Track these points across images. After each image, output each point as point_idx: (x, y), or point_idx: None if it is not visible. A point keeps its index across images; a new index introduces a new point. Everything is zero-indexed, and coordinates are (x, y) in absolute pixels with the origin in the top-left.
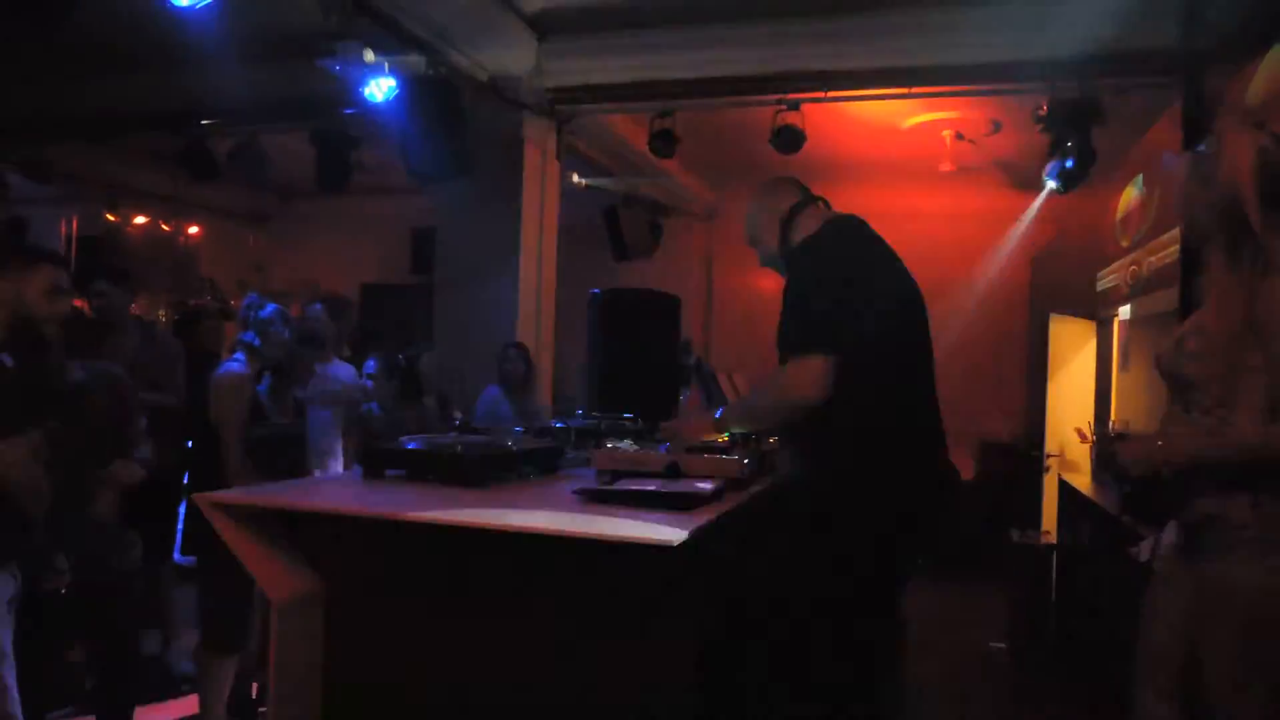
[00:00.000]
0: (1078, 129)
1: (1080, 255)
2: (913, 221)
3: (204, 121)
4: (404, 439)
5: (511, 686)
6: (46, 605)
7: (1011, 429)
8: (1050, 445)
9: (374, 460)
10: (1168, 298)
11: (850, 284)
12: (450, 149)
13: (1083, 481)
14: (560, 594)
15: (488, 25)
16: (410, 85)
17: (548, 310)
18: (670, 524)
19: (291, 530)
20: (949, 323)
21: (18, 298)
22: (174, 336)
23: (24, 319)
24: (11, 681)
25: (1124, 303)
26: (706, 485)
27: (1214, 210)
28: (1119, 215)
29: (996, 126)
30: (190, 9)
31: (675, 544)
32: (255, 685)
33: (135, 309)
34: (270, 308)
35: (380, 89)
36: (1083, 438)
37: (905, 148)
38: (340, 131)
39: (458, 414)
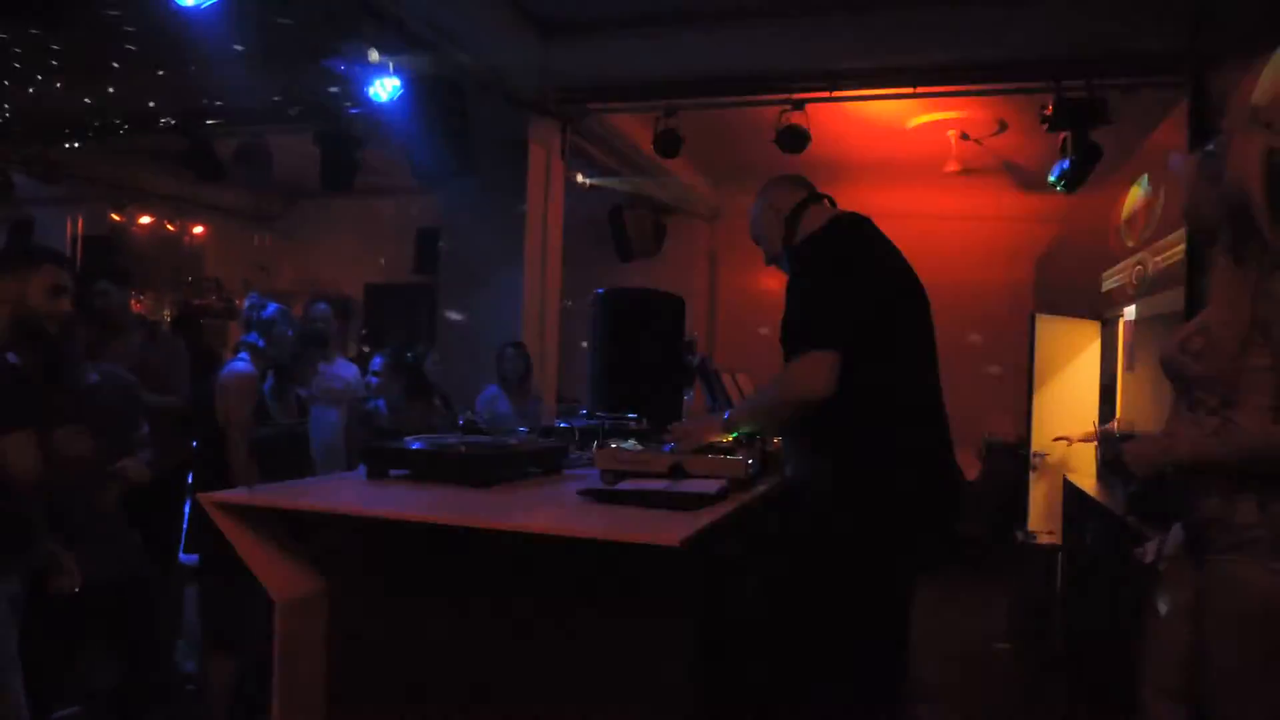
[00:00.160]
0: (1083, 129)
1: (1085, 255)
2: (917, 222)
3: (209, 122)
4: (408, 439)
5: (515, 687)
6: (58, 606)
7: (1017, 430)
8: (1038, 445)
9: (378, 460)
10: (1173, 298)
11: (854, 280)
12: (455, 149)
13: (1088, 482)
14: (564, 594)
15: (493, 25)
16: (415, 85)
17: (552, 310)
18: (674, 524)
19: (295, 530)
20: (953, 323)
21: (20, 296)
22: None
23: (27, 317)
24: (17, 685)
25: (1129, 303)
26: (711, 486)
27: (1220, 210)
28: (1124, 215)
29: (1002, 126)
30: (195, 9)
31: (679, 544)
32: (258, 685)
33: (140, 308)
34: (272, 307)
35: (385, 89)
36: (1069, 443)
37: (910, 148)
38: (345, 132)
39: (472, 414)
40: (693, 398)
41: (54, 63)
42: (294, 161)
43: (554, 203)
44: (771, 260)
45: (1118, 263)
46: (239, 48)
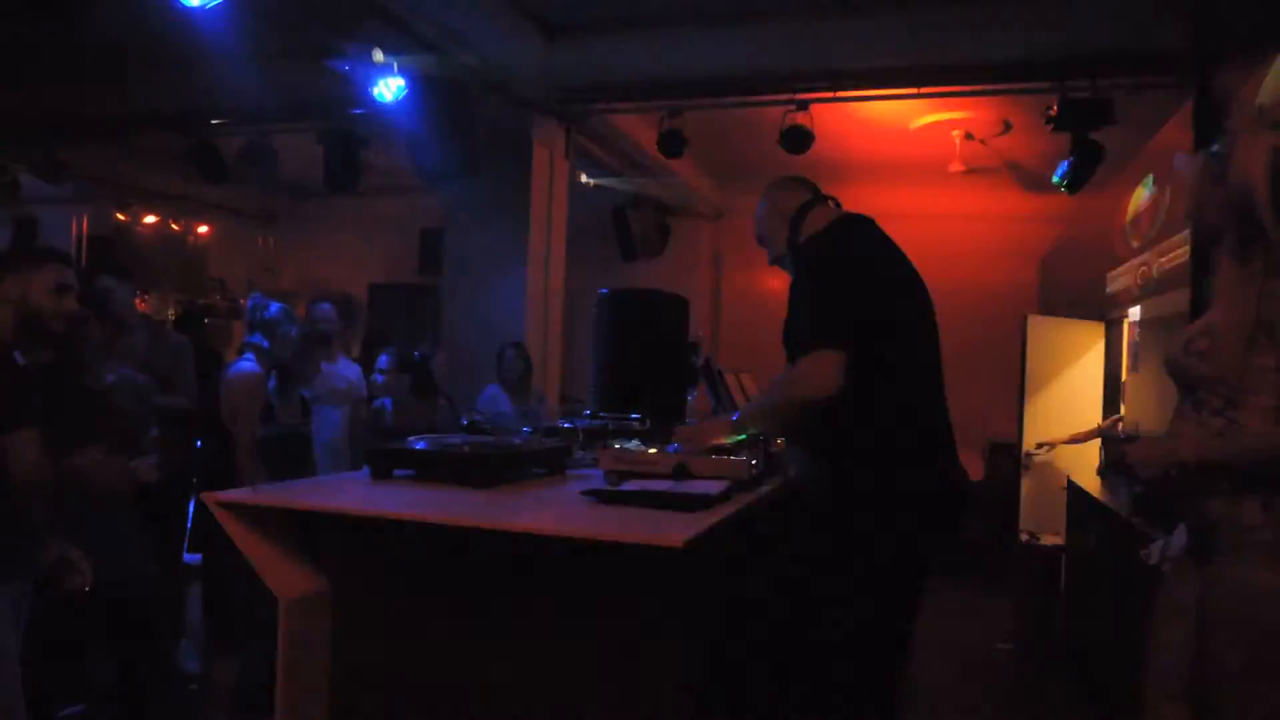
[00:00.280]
0: (1088, 129)
1: (1089, 256)
2: (922, 222)
3: (214, 121)
4: (412, 439)
5: (519, 687)
6: (66, 605)
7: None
8: (1032, 446)
9: (381, 461)
10: (1178, 299)
11: (859, 280)
12: (459, 149)
13: (1093, 483)
14: (568, 595)
15: (497, 25)
16: (419, 85)
17: (555, 310)
18: (678, 525)
19: (299, 530)
20: (958, 323)
21: (24, 295)
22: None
23: (31, 316)
24: (14, 685)
25: (1134, 304)
26: (714, 487)
27: (1225, 211)
28: (1129, 216)
29: (1007, 127)
30: (200, 9)
31: (682, 545)
32: (262, 685)
33: (144, 308)
34: (275, 307)
35: (389, 89)
36: (1050, 448)
37: (914, 148)
38: (349, 131)
39: (479, 414)
40: (696, 398)
41: (60, 62)
42: (298, 161)
43: (558, 203)
44: (776, 261)
45: (1122, 263)
46: (244, 48)
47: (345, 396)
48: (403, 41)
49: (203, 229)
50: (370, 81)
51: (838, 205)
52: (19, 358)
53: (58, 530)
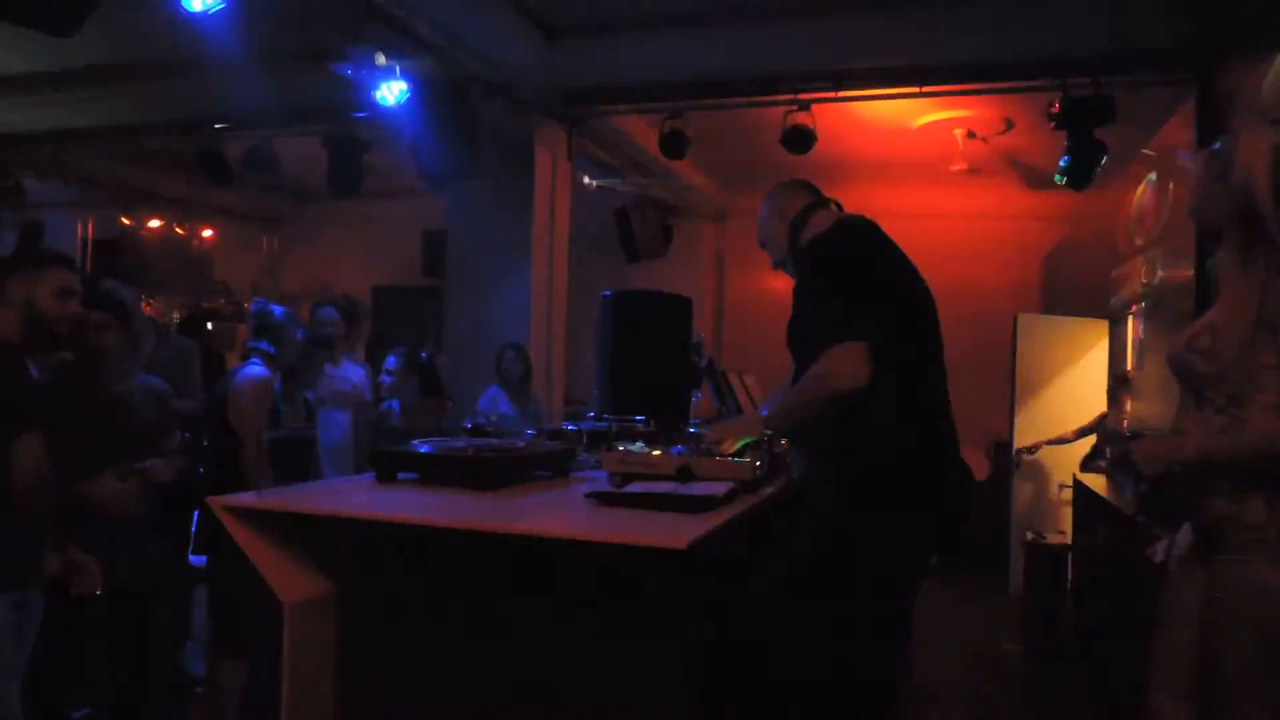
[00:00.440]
0: (1091, 127)
1: (1093, 254)
2: (924, 221)
3: (218, 126)
4: (416, 442)
5: (523, 689)
6: (77, 608)
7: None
8: (1021, 443)
9: (386, 464)
10: (1182, 296)
11: (866, 276)
12: (461, 152)
13: (1099, 482)
14: (571, 597)
15: (499, 28)
16: (422, 88)
17: (559, 312)
18: (682, 527)
19: (304, 533)
20: (961, 322)
21: (29, 299)
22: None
23: (36, 320)
24: (13, 690)
25: (1138, 301)
26: (718, 488)
27: (1227, 207)
28: (1133, 213)
29: (1009, 125)
30: (204, 14)
31: (686, 547)
32: (267, 688)
33: (149, 311)
34: (279, 311)
35: (392, 92)
36: (1030, 453)
37: (916, 147)
38: (352, 135)
39: (481, 416)
40: (700, 399)
41: (64, 66)
42: (302, 165)
43: (560, 204)
44: (779, 265)
45: (1126, 261)
46: (247, 52)
47: (349, 399)
48: (405, 45)
49: (207, 232)
50: (373, 85)
51: (840, 208)
52: (32, 367)
53: (66, 533)
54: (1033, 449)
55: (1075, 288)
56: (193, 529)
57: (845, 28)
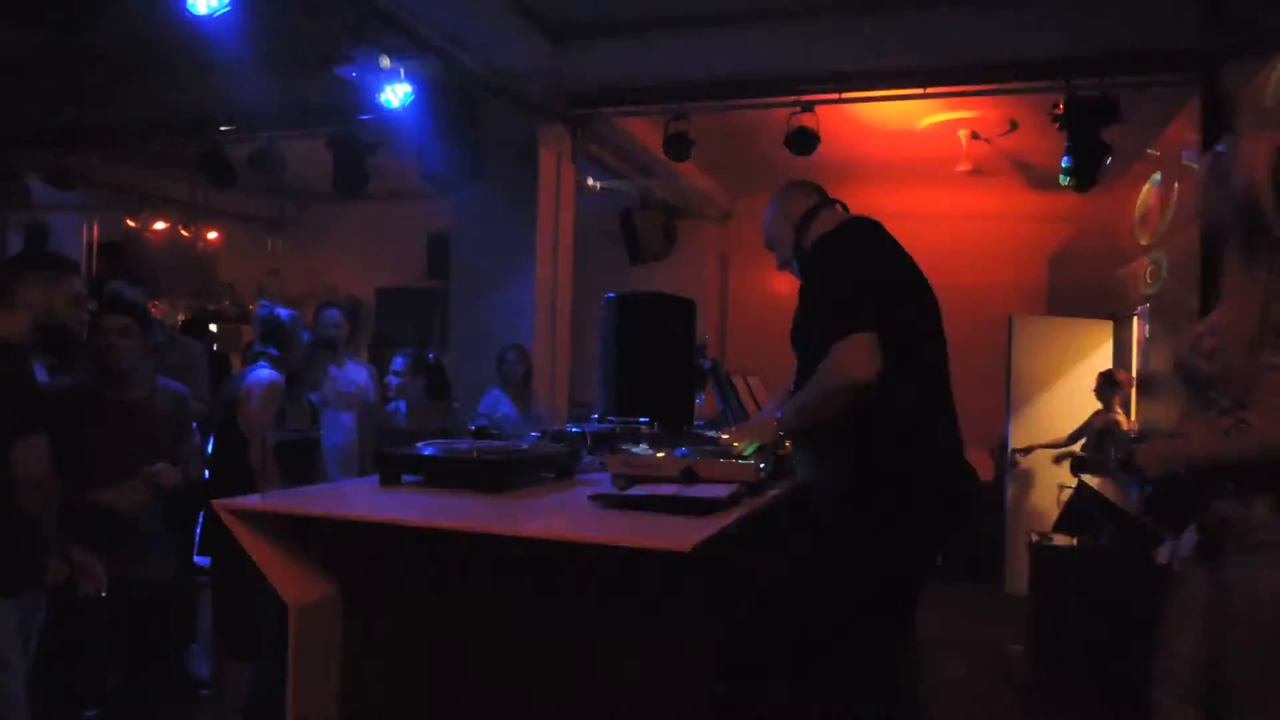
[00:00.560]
0: (1095, 127)
1: (1098, 254)
2: (929, 222)
3: (223, 128)
4: (420, 445)
5: (528, 692)
6: (83, 609)
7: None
8: (1017, 444)
9: (390, 466)
10: (1188, 297)
11: (873, 276)
12: (466, 153)
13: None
14: (576, 599)
15: (503, 30)
16: (426, 91)
17: (563, 313)
18: (685, 529)
19: (309, 535)
20: (966, 323)
21: (48, 304)
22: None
23: (57, 326)
24: (17, 690)
25: (1143, 302)
26: (722, 490)
27: (1230, 209)
28: (1138, 213)
29: (1013, 126)
30: (209, 17)
31: (690, 550)
32: (272, 689)
33: (155, 313)
34: (285, 314)
35: (396, 95)
36: (1026, 452)
37: (921, 148)
38: (357, 137)
39: (484, 418)
40: (704, 401)
41: (70, 69)
42: (306, 167)
43: (564, 206)
44: (784, 266)
45: (1131, 261)
46: (252, 54)
47: (354, 400)
48: (409, 47)
49: (212, 235)
50: (377, 87)
51: (845, 209)
52: (41, 370)
53: (73, 533)
54: (1026, 451)
55: (1081, 288)
56: (197, 530)
57: (848, 29)
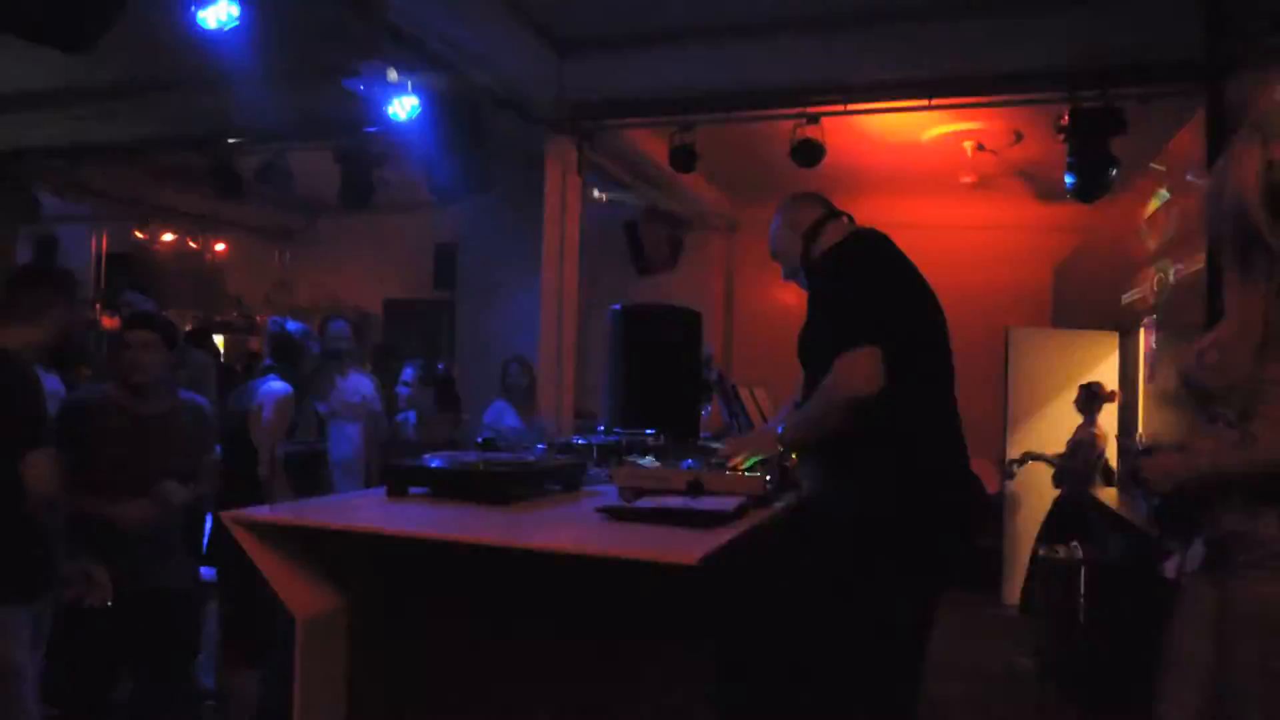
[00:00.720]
0: (1101, 138)
1: (1104, 266)
2: (935, 233)
3: (231, 140)
4: (427, 457)
5: (534, 704)
6: (93, 618)
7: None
8: (1012, 454)
9: (397, 478)
10: (1194, 309)
11: (879, 288)
12: (472, 166)
13: (1113, 496)
14: (582, 612)
15: (509, 43)
16: (433, 103)
17: (569, 325)
18: (692, 542)
19: (316, 548)
20: (972, 334)
21: (65, 318)
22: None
23: (78, 342)
24: (26, 693)
25: (1150, 313)
26: (728, 503)
27: (1226, 223)
28: (1143, 225)
29: (1018, 137)
30: (218, 31)
31: (696, 563)
32: (279, 701)
33: None
34: (295, 328)
35: (403, 107)
36: (1020, 463)
37: (926, 160)
38: (364, 149)
39: (489, 429)
40: (710, 413)
41: (79, 82)
42: (314, 179)
43: (571, 218)
44: (790, 276)
45: (1137, 273)
46: (260, 68)
47: (359, 411)
48: (417, 61)
49: (220, 246)
50: (385, 100)
51: (851, 221)
52: (56, 381)
53: (85, 544)
54: (1021, 461)
55: (1086, 300)
56: (204, 541)
57: (854, 41)
